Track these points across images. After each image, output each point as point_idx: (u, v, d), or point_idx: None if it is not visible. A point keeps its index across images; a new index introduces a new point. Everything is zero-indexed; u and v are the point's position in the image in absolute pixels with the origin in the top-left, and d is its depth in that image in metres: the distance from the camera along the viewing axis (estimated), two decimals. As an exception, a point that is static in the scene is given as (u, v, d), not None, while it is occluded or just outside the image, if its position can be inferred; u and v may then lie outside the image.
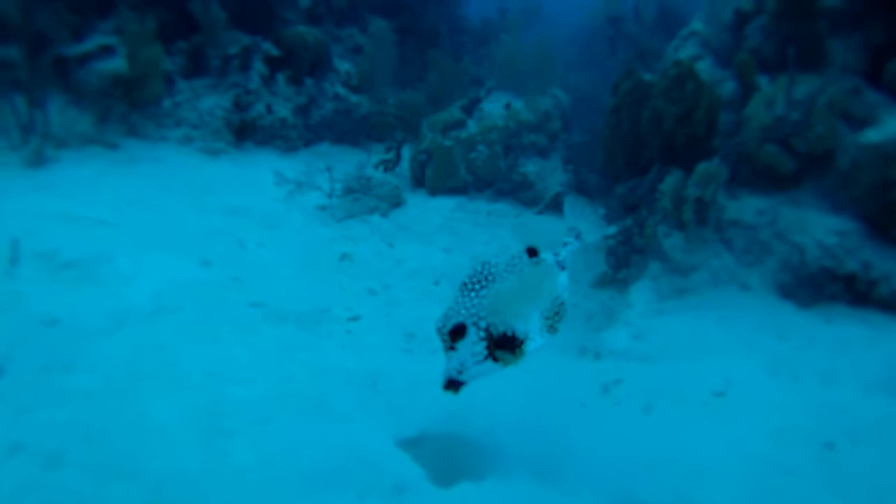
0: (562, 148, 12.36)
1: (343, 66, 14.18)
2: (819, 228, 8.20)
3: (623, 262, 9.18)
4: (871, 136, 8.31)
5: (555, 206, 11.22)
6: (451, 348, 3.96)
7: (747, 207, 8.65)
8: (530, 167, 11.79)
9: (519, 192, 11.65)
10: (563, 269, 4.26)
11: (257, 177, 11.04)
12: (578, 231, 4.44)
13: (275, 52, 13.08)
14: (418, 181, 11.91)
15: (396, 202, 10.80)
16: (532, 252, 4.14)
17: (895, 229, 8.05)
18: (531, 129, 12.41)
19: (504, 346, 3.96)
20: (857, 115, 8.68)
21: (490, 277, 3.99)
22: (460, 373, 3.96)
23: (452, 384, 3.98)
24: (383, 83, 14.53)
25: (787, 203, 8.59)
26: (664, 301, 8.21)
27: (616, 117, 9.79)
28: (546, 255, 4.21)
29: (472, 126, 12.30)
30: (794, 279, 8.18)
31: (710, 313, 7.95)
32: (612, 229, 9.56)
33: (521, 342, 4.00)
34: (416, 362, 6.67)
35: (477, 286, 3.98)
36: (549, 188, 11.48)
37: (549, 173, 11.86)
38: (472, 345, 3.92)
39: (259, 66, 12.97)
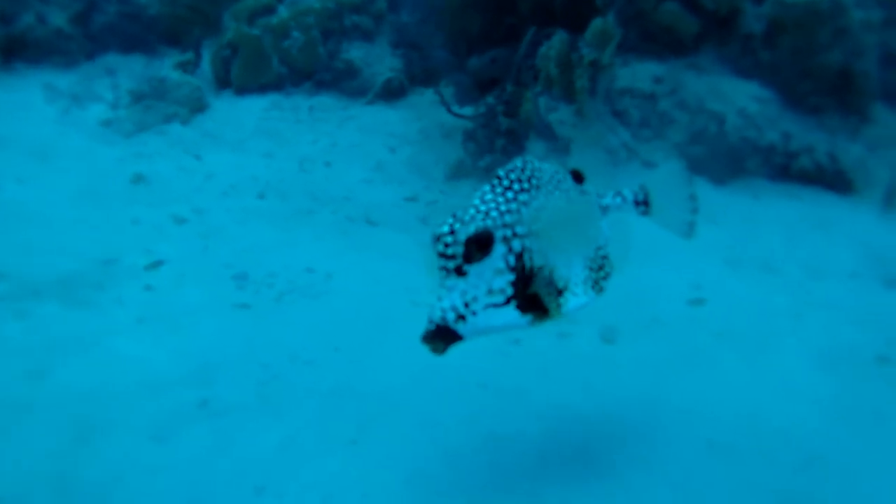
0: (389, 31, 9.71)
1: (127, -39, 10.77)
2: (739, 95, 6.11)
3: (486, 146, 6.69)
4: (799, -11, 6.20)
5: (386, 95, 8.48)
6: (459, 271, 2.29)
7: (641, 74, 6.37)
8: (355, 53, 8.92)
9: (343, 82, 8.72)
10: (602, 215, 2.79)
11: (27, 100, 7.65)
12: (647, 195, 2.88)
13: (43, -55, 9.63)
14: (223, 81, 8.69)
15: (199, 106, 7.68)
16: (577, 176, 2.70)
17: (815, 97, 6.20)
18: (353, 9, 9.42)
19: (539, 290, 2.38)
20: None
21: (534, 181, 2.42)
22: (461, 318, 2.29)
23: (444, 335, 2.32)
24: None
25: (688, 69, 6.41)
26: (557, 190, 5.83)
27: (472, -24, 7.21)
28: (590, 190, 2.74)
29: (284, 11, 9.23)
30: (709, 152, 6.02)
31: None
32: (467, 112, 7.05)
33: (559, 293, 2.45)
34: (261, 326, 4.03)
35: (516, 185, 2.39)
36: (379, 75, 8.75)
37: (378, 59, 9.11)
38: (494, 273, 2.29)
39: (26, -32, 9.55)
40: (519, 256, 2.31)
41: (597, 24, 5.92)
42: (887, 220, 5.59)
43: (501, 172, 2.41)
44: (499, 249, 2.28)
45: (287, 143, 7.24)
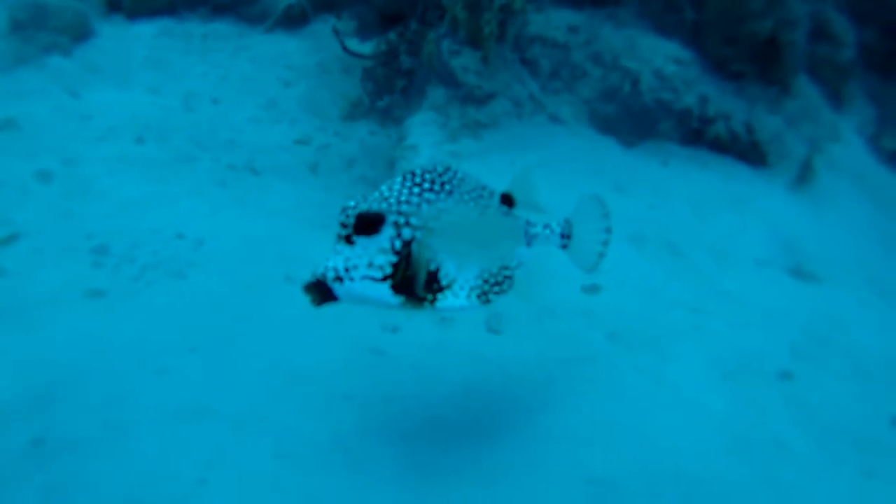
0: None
1: None
2: (657, 54, 5.62)
3: (385, 87, 6.28)
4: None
5: (287, 22, 7.78)
6: (347, 239, 2.48)
7: (555, 22, 5.82)
8: None
9: (241, 7, 7.98)
10: (528, 245, 2.89)
11: None
12: (570, 231, 2.98)
13: None
14: (113, 4, 7.89)
15: (83, 33, 6.89)
16: (506, 200, 2.81)
17: (738, 64, 5.75)
18: (255, -75, 8.86)
19: (416, 278, 2.52)
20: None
21: (448, 187, 2.62)
22: (339, 279, 2.46)
23: (319, 288, 2.47)
24: None
25: (607, 21, 5.89)
26: (457, 139, 5.35)
27: None
28: (520, 216, 2.86)
29: (180, -76, 8.59)
30: (621, 111, 5.62)
31: (523, 156, 5.21)
32: (368, 48, 6.59)
33: (438, 288, 2.58)
34: (113, 320, 3.44)
35: (426, 184, 2.59)
36: (279, 0, 8.25)
37: (278, -18, 8.58)
38: (377, 251, 2.48)
39: None
40: (406, 243, 2.48)
41: (511, -37, 5.37)
42: (798, 199, 5.30)
43: (417, 170, 2.59)
44: (388, 231, 2.47)
45: (175, 77, 6.58)
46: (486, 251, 2.71)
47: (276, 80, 6.71)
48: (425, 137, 5.33)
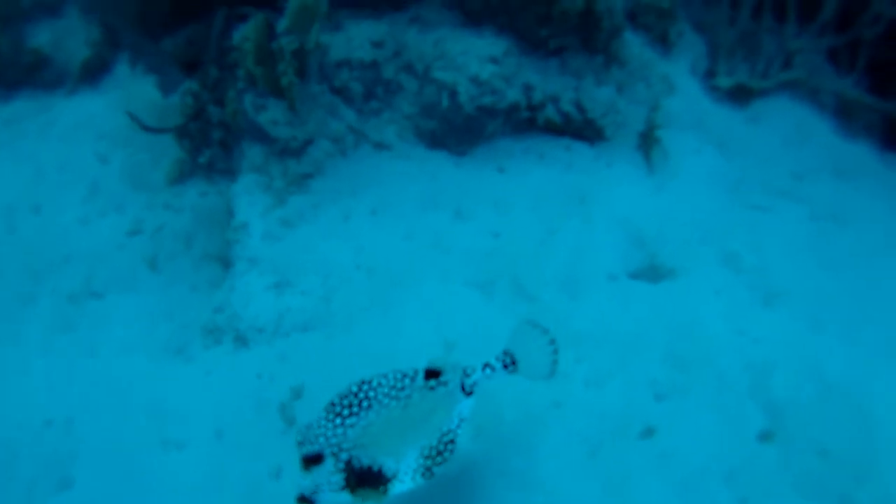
0: (79, -2, 8.44)
1: None
2: (471, 57, 5.37)
3: (201, 141, 5.98)
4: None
5: (89, 78, 7.34)
6: (307, 468, 3.11)
7: (357, 40, 5.53)
8: (42, 37, 7.80)
9: (36, 74, 7.37)
10: (468, 394, 3.24)
11: None
12: (514, 359, 3.30)
13: None
14: None
15: None
16: (432, 374, 3.19)
17: (556, 41, 5.54)
18: (24, -19, 8.23)
19: (366, 481, 3.12)
20: None
21: (365, 403, 3.11)
22: (314, 493, 3.13)
23: (307, 501, 3.13)
24: None
25: (411, 25, 5.65)
26: (285, 201, 5.11)
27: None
28: (451, 377, 3.22)
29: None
30: (444, 127, 5.45)
31: (357, 203, 5.05)
32: (175, 99, 6.20)
33: (387, 480, 3.14)
34: None
35: (346, 411, 3.11)
36: (75, 53, 7.68)
37: (70, 33, 7.85)
38: (330, 473, 3.11)
39: None
40: (348, 463, 3.07)
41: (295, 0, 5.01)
42: (644, 175, 5.18)
43: (336, 399, 3.10)
44: (329, 461, 3.08)
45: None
46: (420, 433, 3.12)
47: (93, 157, 6.27)
48: (252, 208, 5.14)
